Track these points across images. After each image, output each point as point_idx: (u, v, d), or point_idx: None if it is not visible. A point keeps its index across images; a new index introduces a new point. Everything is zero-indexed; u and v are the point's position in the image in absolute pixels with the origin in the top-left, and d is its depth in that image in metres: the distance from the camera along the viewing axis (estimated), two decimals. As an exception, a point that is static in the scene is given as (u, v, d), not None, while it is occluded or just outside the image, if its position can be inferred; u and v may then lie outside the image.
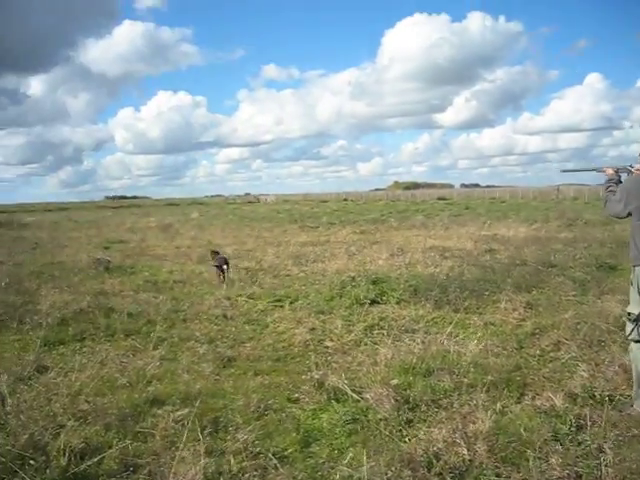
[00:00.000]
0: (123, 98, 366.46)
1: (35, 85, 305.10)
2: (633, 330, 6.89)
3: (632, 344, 7.02)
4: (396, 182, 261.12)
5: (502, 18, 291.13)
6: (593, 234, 25.40)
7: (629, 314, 6.94)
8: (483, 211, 49.26)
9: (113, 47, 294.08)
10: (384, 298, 13.04)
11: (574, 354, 8.81)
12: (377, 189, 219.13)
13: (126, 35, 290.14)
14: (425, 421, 6.71)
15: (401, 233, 28.93)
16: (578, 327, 10.01)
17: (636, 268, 6.84)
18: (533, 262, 17.01)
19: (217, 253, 17.52)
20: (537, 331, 10.27)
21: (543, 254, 18.63)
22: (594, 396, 7.17)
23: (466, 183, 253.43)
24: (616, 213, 7.14)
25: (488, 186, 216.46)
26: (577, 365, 8.33)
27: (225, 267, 16.24)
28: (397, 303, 12.58)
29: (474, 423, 6.26)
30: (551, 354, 9.09)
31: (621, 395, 7.25)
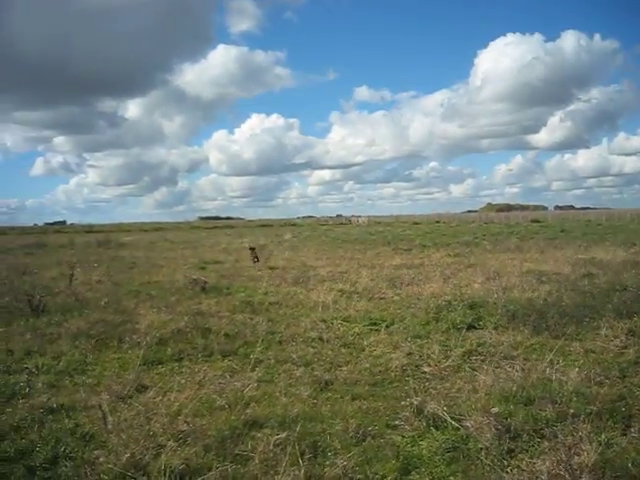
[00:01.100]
0: (217, 120, 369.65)
1: (132, 108, 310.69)
2: None
3: None
4: (489, 204, 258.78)
5: (597, 36, 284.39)
6: (696, 258, 24.66)
7: None
8: (579, 234, 48.19)
9: (208, 71, 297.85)
10: (481, 323, 12.87)
11: (683, 385, 8.53)
12: (469, 211, 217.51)
13: (220, 59, 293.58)
14: (527, 451, 6.57)
15: (496, 256, 28.44)
16: (686, 356, 9.68)
17: None
18: (633, 287, 16.47)
19: (253, 249, 29.43)
20: (640, 360, 9.95)
21: (644, 279, 18.05)
22: None
23: (560, 205, 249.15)
24: None
25: (583, 208, 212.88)
26: (685, 396, 8.06)
27: (257, 259, 28.13)
28: (495, 328, 12.35)
29: (579, 455, 6.07)
30: (656, 384, 8.78)
31: None
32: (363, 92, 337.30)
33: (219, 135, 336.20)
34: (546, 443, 6.68)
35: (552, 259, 25.88)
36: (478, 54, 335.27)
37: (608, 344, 11.06)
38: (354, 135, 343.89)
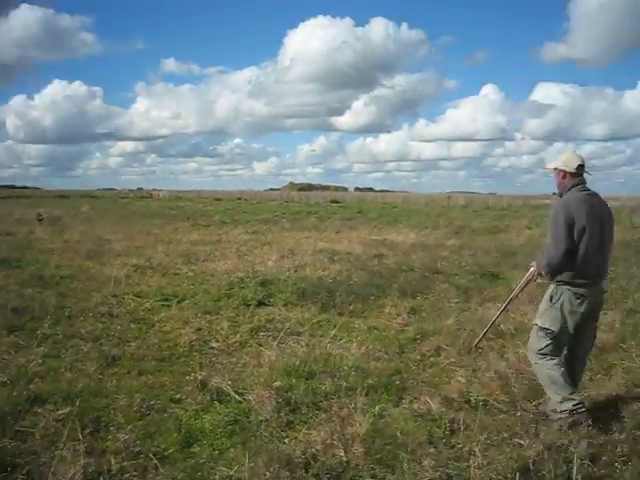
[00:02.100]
0: (16, 84, 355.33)
1: None
2: (548, 346, 7.02)
3: (537, 357, 7.15)
4: (291, 183, 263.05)
5: (404, 25, 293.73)
6: (479, 242, 26.16)
7: (546, 330, 6.95)
8: (375, 215, 49.69)
9: (9, 31, 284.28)
10: (272, 300, 13.19)
11: (453, 360, 9.17)
12: (272, 189, 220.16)
13: (23, 19, 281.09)
14: (305, 423, 6.88)
15: (293, 235, 28.96)
16: (458, 333, 10.36)
17: (559, 286, 6.84)
18: (420, 268, 17.36)
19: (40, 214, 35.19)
20: (419, 336, 10.57)
21: (430, 261, 19.00)
22: (469, 401, 7.50)
23: (360, 187, 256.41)
24: (566, 249, 6.61)
25: (382, 190, 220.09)
26: (455, 370, 8.68)
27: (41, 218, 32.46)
28: (284, 305, 12.71)
29: (352, 425, 6.45)
30: (431, 359, 9.40)
31: (495, 400, 7.56)
32: (170, 64, 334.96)
33: (18, 100, 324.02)
34: (323, 415, 7.02)
35: (346, 239, 26.65)
36: (288, 33, 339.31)
37: (391, 321, 11.67)
38: (159, 107, 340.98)
